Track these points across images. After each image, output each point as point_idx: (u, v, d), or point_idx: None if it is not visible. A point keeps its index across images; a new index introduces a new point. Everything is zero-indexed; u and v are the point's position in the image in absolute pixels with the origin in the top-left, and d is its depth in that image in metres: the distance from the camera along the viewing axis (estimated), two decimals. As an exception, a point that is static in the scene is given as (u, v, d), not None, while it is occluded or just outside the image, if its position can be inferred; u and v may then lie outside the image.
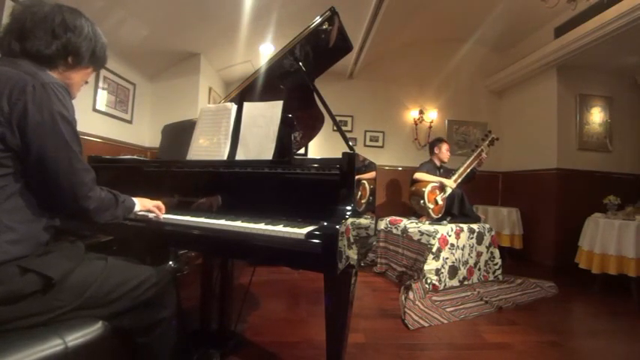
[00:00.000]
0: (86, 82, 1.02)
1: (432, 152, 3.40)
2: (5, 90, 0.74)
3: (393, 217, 3.24)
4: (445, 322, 2.03)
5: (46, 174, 0.80)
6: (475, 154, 3.26)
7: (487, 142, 3.31)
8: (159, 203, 1.16)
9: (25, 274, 0.74)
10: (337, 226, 0.90)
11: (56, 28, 0.86)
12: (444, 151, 3.32)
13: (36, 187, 0.82)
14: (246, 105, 1.33)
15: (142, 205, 1.09)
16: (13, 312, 0.73)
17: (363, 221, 1.18)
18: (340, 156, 1.04)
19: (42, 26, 0.85)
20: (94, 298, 0.83)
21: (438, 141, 3.39)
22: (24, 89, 0.75)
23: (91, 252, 0.94)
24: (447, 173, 3.24)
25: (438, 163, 3.35)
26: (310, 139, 1.76)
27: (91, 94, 2.95)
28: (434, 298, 2.40)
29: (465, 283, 2.79)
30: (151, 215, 1.13)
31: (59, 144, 0.80)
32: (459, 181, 3.17)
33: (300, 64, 1.55)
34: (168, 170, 1.41)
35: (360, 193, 1.12)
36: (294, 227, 0.94)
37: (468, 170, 3.21)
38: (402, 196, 4.46)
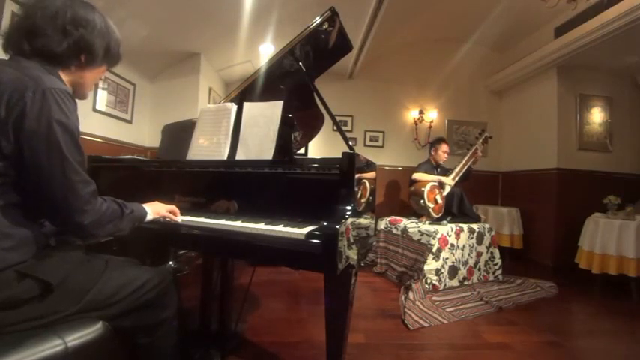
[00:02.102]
0: (101, 80, 1.00)
1: (430, 152, 3.45)
2: (5, 94, 0.71)
3: (393, 217, 3.24)
4: (445, 322, 2.03)
5: (39, 184, 0.76)
6: (470, 152, 3.31)
7: (481, 140, 3.38)
8: (173, 208, 1.12)
9: (24, 279, 0.72)
10: (337, 226, 0.90)
11: (67, 24, 0.81)
12: (441, 153, 3.35)
13: (32, 196, 0.79)
14: (246, 105, 1.33)
15: (154, 212, 1.05)
16: (13, 317, 0.72)
17: (363, 221, 1.18)
18: (340, 156, 1.04)
19: (52, 23, 0.80)
20: (94, 301, 0.82)
21: (437, 142, 3.42)
22: (23, 95, 0.72)
23: (91, 253, 0.94)
24: (445, 173, 3.27)
25: (434, 163, 3.38)
26: (310, 139, 1.76)
27: (91, 94, 2.96)
28: (434, 298, 2.40)
29: (465, 283, 2.79)
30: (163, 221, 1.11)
31: (53, 153, 0.75)
32: (457, 179, 3.20)
33: (300, 64, 1.55)
34: (168, 170, 1.41)
35: (359, 193, 1.12)
36: (294, 227, 0.94)
37: (465, 169, 3.25)
38: (402, 196, 4.46)
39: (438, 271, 2.60)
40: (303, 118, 1.60)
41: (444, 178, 3.12)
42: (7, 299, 0.70)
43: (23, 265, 0.74)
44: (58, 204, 0.78)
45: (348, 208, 1.00)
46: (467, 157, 3.29)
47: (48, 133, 0.74)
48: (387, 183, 4.47)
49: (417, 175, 3.21)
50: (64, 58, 0.84)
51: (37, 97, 0.73)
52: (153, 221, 1.10)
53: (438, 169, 3.34)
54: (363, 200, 1.19)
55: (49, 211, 0.81)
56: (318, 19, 1.48)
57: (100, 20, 0.88)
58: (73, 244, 0.91)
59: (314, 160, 1.11)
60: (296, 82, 1.68)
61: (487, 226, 3.05)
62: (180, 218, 1.12)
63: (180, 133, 1.51)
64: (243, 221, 1.04)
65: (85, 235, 0.86)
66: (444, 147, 3.36)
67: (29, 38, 0.80)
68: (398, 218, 3.19)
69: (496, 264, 3.00)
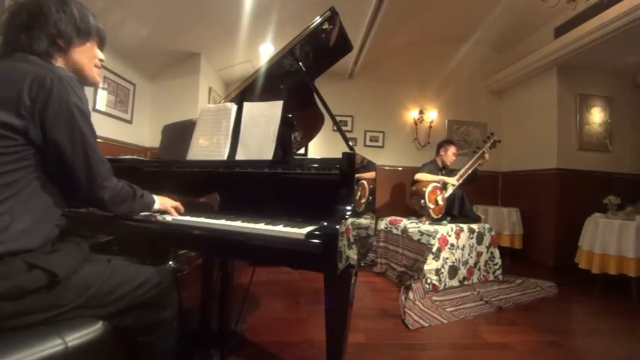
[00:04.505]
0: (101, 62, 1.01)
1: (437, 153, 3.39)
2: (25, 84, 0.76)
3: (393, 217, 3.24)
4: (445, 322, 2.03)
5: (63, 164, 0.83)
6: (477, 155, 3.24)
7: (489, 144, 3.31)
8: (177, 204, 1.16)
9: (31, 270, 0.74)
10: (337, 226, 0.90)
11: (27, 23, 0.86)
12: (450, 155, 3.31)
13: (53, 179, 0.85)
14: (246, 105, 1.33)
15: (160, 203, 1.11)
16: (16, 308, 0.73)
17: (363, 221, 1.18)
18: (340, 156, 1.04)
19: (15, 28, 0.86)
20: (95, 297, 0.83)
21: (447, 143, 3.38)
22: (43, 83, 0.78)
23: (94, 252, 0.95)
24: (449, 174, 3.24)
25: (440, 164, 3.34)
26: (310, 139, 1.76)
27: (91, 94, 2.95)
28: (434, 298, 2.40)
29: (465, 283, 2.79)
30: (165, 216, 1.12)
31: (75, 134, 0.82)
32: (461, 181, 3.17)
33: (300, 64, 1.55)
34: (168, 170, 1.41)
35: (359, 193, 1.12)
36: (294, 227, 0.94)
37: (470, 171, 3.21)
38: (402, 196, 4.46)
39: (438, 271, 2.60)
40: (303, 118, 1.60)
41: (447, 178, 3.09)
42: (14, 288, 0.72)
43: (31, 255, 0.77)
44: (80, 181, 0.86)
45: (348, 208, 1.00)
46: (473, 160, 3.23)
47: (69, 116, 0.82)
48: (387, 183, 4.47)
49: (419, 175, 3.19)
50: (45, 51, 0.87)
51: (55, 85, 0.79)
52: (152, 221, 1.11)
53: (444, 171, 3.31)
54: (362, 200, 1.19)
55: (73, 188, 0.87)
56: (318, 19, 1.47)
57: (53, 4, 0.89)
58: (78, 242, 0.93)
59: (314, 160, 1.11)
60: (296, 82, 1.68)
61: (487, 226, 3.05)
62: (171, 217, 1.14)
63: (180, 133, 1.51)
64: (243, 221, 1.03)
65: (105, 211, 0.94)
66: (453, 149, 3.33)
67: (10, 46, 0.86)
68: (398, 218, 3.19)
69: (496, 264, 3.00)
